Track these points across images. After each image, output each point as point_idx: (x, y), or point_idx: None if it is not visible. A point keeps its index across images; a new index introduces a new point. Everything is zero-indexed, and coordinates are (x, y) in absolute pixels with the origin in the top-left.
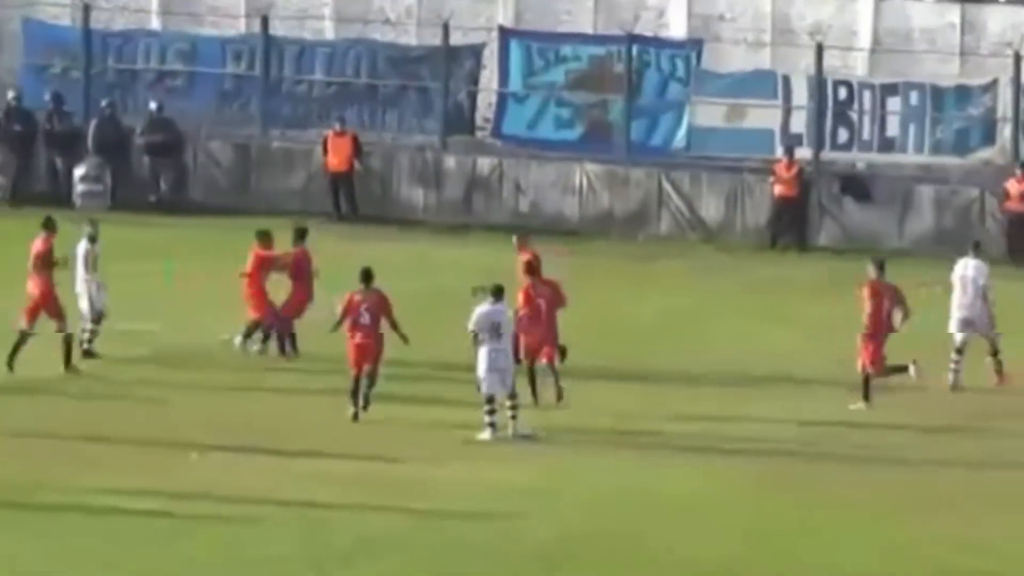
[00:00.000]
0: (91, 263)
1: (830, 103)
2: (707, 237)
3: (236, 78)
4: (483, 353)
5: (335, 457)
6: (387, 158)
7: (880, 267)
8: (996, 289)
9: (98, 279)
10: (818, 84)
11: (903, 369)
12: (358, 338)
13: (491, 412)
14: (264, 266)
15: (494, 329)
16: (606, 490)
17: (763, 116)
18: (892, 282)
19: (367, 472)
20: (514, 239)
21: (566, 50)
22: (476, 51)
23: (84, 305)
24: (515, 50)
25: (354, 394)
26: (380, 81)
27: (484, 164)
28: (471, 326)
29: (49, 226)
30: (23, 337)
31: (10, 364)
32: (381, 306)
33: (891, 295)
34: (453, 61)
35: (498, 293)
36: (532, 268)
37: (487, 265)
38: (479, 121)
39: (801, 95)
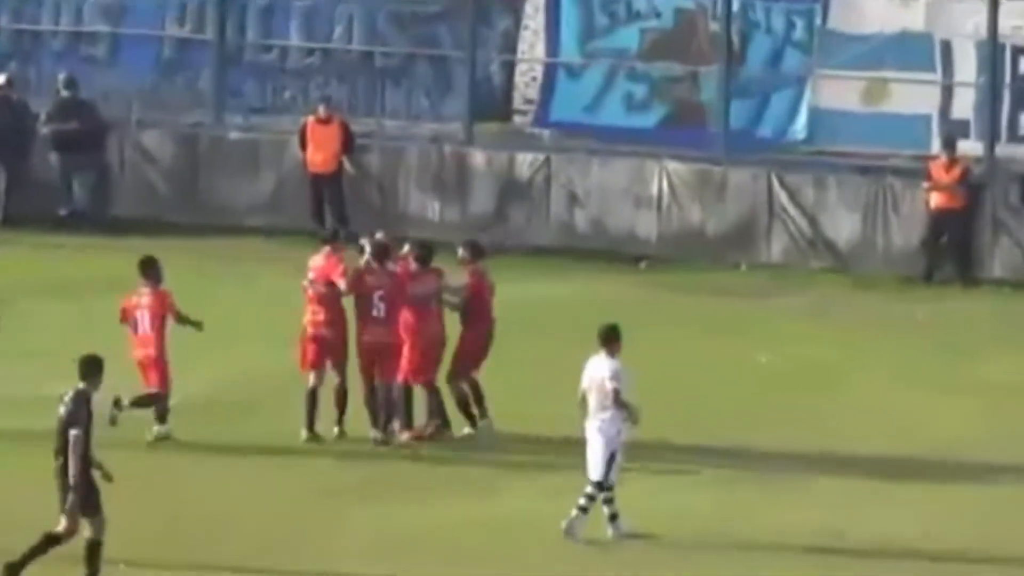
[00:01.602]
0: None
1: (1007, 78)
2: (836, 265)
3: (180, 43)
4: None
5: None
6: (390, 154)
7: None
8: None
9: None
10: (992, 51)
11: None
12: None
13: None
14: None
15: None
16: None
17: (914, 96)
18: None
19: None
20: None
21: (640, 3)
22: (514, 6)
23: None
24: (568, 4)
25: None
26: (380, 48)
27: (525, 162)
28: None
29: None
30: None
31: None
32: None
33: None
34: (482, 20)
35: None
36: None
37: (526, 301)
38: (518, 102)
39: (967, 67)
